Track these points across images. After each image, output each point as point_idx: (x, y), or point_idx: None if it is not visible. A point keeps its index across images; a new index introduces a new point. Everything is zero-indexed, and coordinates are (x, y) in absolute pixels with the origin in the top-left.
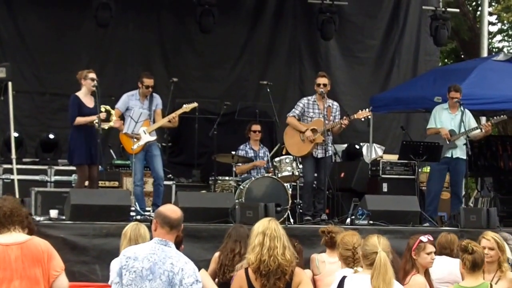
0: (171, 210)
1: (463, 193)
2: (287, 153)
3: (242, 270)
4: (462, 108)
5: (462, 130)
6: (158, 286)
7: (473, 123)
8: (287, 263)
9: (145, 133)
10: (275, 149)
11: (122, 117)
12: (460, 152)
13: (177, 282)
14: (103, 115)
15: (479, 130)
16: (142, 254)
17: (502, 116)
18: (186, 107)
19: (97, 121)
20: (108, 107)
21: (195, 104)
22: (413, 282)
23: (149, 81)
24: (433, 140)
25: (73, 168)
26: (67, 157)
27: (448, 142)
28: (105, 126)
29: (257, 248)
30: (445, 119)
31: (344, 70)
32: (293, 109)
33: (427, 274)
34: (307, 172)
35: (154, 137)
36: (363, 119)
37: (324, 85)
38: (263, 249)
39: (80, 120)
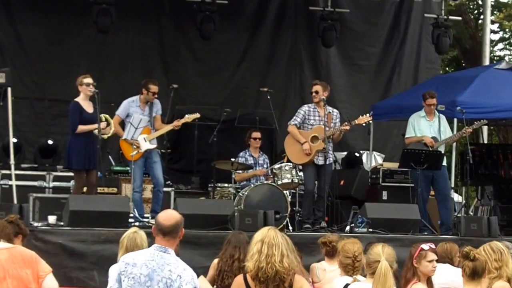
0: (164, 217)
1: (457, 198)
2: (288, 161)
3: (241, 275)
4: (438, 114)
5: (442, 136)
6: None
7: (448, 128)
8: (285, 270)
9: (145, 141)
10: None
11: (122, 123)
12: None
13: None
14: (103, 125)
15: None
16: (141, 261)
17: (482, 121)
18: (188, 117)
19: (97, 129)
20: (107, 116)
21: (197, 115)
22: None
23: (155, 88)
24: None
25: (72, 174)
26: (65, 162)
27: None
28: (105, 136)
29: (255, 256)
30: (424, 126)
31: (344, 77)
32: (294, 117)
33: (429, 283)
34: (308, 179)
35: (154, 145)
36: (364, 125)
37: (317, 92)
38: (261, 256)
39: (82, 128)
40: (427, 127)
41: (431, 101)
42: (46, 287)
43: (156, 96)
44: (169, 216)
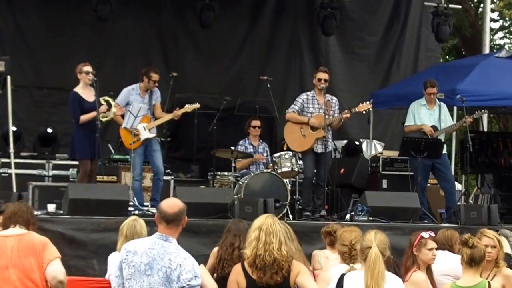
0: (168, 205)
1: (457, 186)
2: (287, 149)
3: (239, 264)
4: (438, 103)
5: (443, 125)
6: (155, 282)
7: (449, 117)
8: (283, 258)
9: (145, 130)
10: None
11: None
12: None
13: (174, 278)
14: (103, 108)
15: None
16: (142, 249)
17: (483, 110)
18: (188, 107)
19: (97, 117)
20: (107, 98)
21: (197, 105)
22: (413, 279)
23: (156, 76)
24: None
25: (71, 162)
26: (70, 152)
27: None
28: (104, 118)
29: (253, 243)
30: (424, 115)
31: (344, 66)
32: (293, 105)
33: (429, 271)
34: (307, 167)
35: (153, 134)
36: (364, 112)
37: (325, 80)
38: (259, 243)
39: (84, 118)
40: (427, 115)
41: (431, 90)
42: (48, 274)
43: (156, 84)
44: (172, 204)
